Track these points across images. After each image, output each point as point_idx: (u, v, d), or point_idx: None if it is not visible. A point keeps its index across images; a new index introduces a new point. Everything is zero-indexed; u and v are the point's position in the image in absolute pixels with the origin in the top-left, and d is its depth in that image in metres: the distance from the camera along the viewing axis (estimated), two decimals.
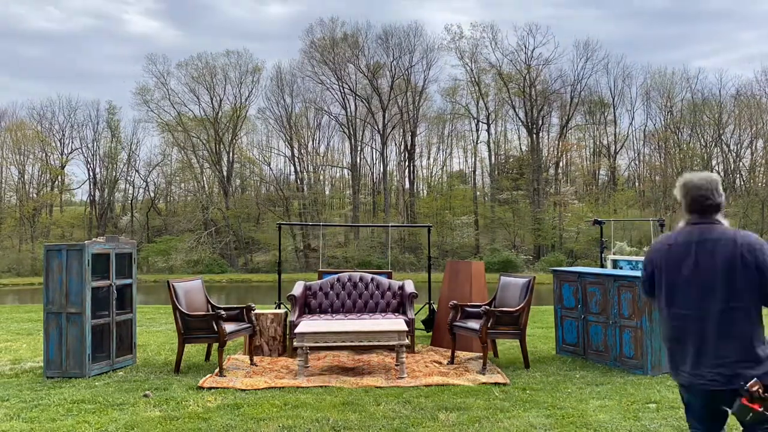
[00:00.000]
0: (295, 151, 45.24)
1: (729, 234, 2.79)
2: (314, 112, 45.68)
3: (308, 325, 6.74)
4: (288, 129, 44.49)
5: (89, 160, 46.05)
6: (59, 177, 46.38)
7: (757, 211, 37.82)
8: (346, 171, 47.26)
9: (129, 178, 47.71)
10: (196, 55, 45.86)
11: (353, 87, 43.78)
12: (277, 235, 10.70)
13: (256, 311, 7.35)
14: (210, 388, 5.84)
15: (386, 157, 44.33)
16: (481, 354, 6.64)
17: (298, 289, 8.06)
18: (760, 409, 2.61)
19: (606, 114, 44.39)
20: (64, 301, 6.44)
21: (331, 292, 8.32)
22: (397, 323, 6.66)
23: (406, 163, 44.50)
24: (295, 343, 6.41)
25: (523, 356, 6.79)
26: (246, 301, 9.48)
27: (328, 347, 7.23)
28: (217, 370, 6.41)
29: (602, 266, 10.57)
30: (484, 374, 6.33)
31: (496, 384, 5.97)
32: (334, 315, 7.91)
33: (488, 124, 44.74)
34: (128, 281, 7.04)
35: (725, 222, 2.90)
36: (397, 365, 6.40)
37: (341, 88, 44.04)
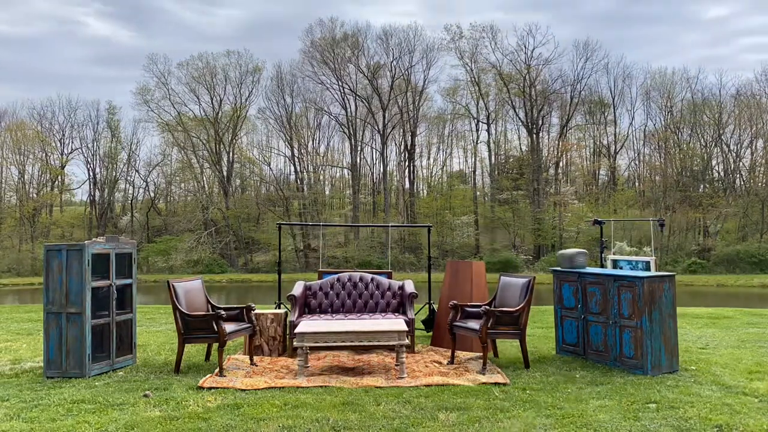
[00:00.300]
0: (295, 151, 45.26)
1: None
2: (314, 112, 45.72)
3: (308, 325, 6.74)
4: (288, 129, 44.49)
5: (89, 160, 46.10)
6: (59, 177, 46.39)
7: (757, 211, 37.80)
8: (346, 171, 47.28)
9: (129, 178, 47.78)
10: (197, 54, 45.91)
11: (353, 87, 43.79)
12: (277, 235, 10.70)
13: (256, 311, 7.35)
14: (210, 388, 5.84)
15: (386, 157, 44.36)
16: (481, 354, 6.64)
17: (298, 289, 8.06)
18: None
19: (606, 114, 44.40)
20: (64, 301, 6.44)
21: (331, 292, 8.32)
22: (397, 323, 6.66)
23: (406, 163, 44.50)
24: (295, 343, 6.41)
25: (523, 356, 6.79)
26: (246, 301, 9.48)
27: (328, 347, 7.23)
28: (217, 370, 6.42)
29: (602, 266, 10.56)
30: (484, 374, 6.33)
31: (496, 384, 5.97)
32: (334, 315, 7.91)
33: (488, 124, 44.77)
34: (128, 281, 7.04)
35: None
36: (397, 365, 6.40)
37: (341, 88, 44.06)
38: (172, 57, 60.07)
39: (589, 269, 7.72)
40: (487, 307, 6.80)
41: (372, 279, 8.43)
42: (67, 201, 49.45)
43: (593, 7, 60.63)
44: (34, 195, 45.65)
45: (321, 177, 47.46)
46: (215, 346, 6.76)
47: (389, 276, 8.68)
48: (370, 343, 6.45)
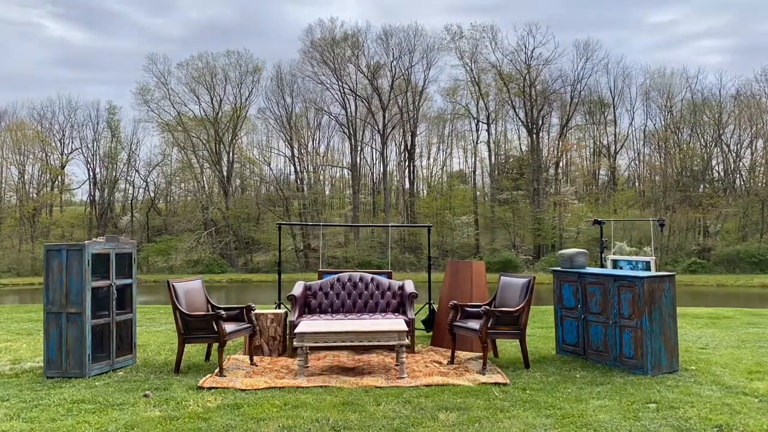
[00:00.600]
0: (295, 151, 45.27)
1: None
2: (314, 112, 45.73)
3: (308, 325, 6.74)
4: (288, 129, 44.50)
5: (89, 160, 46.10)
6: (59, 177, 46.39)
7: (757, 211, 37.80)
8: (346, 171, 47.28)
9: (129, 178, 47.78)
10: (197, 54, 45.90)
11: (353, 87, 43.80)
12: (277, 235, 10.70)
13: (256, 311, 7.35)
14: (210, 388, 5.84)
15: (386, 157, 44.37)
16: (481, 354, 6.64)
17: (298, 289, 8.06)
18: None
19: (606, 114, 44.40)
20: (64, 301, 6.44)
21: (331, 292, 8.32)
22: (397, 323, 6.66)
23: (406, 163, 44.51)
24: (295, 343, 6.41)
25: (523, 356, 6.79)
26: (246, 301, 9.48)
27: (328, 347, 7.24)
28: (217, 370, 6.42)
29: (602, 266, 10.56)
30: (484, 374, 6.33)
31: (496, 384, 5.97)
32: (334, 315, 7.91)
33: (488, 124, 44.77)
34: (128, 281, 7.04)
35: None
36: (397, 365, 6.40)
37: (341, 88, 44.07)
38: (129, 59, 59.87)
39: (589, 269, 7.71)
40: (487, 307, 6.80)
41: (372, 279, 8.43)
42: (67, 201, 49.46)
43: (544, 13, 60.75)
44: (34, 195, 45.65)
45: (321, 177, 47.47)
46: (215, 346, 6.76)
47: (389, 276, 8.68)
48: (370, 343, 6.45)
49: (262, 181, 47.78)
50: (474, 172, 45.81)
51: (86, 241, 6.64)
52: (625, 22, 60.48)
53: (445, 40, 43.46)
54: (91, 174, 46.04)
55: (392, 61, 43.32)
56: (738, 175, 41.82)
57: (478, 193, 45.03)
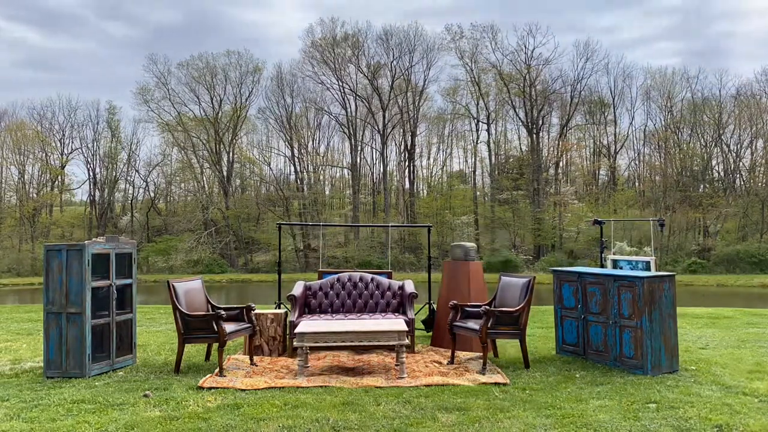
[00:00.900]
0: (295, 151, 45.26)
1: None
2: (314, 112, 45.72)
3: (308, 325, 6.74)
4: (288, 129, 44.50)
5: (89, 160, 46.10)
6: (59, 177, 46.39)
7: (757, 211, 37.80)
8: (346, 171, 47.29)
9: (129, 178, 47.78)
10: (197, 54, 45.89)
11: (353, 87, 43.80)
12: (277, 235, 10.70)
13: (256, 311, 7.35)
14: (210, 388, 5.84)
15: (386, 157, 44.37)
16: (481, 354, 6.64)
17: (298, 289, 8.06)
18: None
19: (606, 114, 44.39)
20: (64, 301, 6.44)
21: (331, 292, 8.32)
22: (397, 323, 6.66)
23: (406, 163, 44.50)
24: (295, 343, 6.41)
25: (523, 356, 6.79)
26: (246, 301, 9.48)
27: (328, 347, 7.24)
28: (217, 370, 6.42)
29: (602, 266, 10.56)
30: (484, 374, 6.33)
31: (496, 384, 5.97)
32: (334, 315, 7.91)
33: (488, 124, 44.76)
34: (128, 281, 7.04)
35: None
36: (397, 365, 6.40)
37: (341, 88, 44.07)
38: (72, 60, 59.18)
39: (589, 269, 7.72)
40: (487, 307, 6.80)
41: (372, 279, 8.43)
42: (67, 201, 49.46)
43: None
44: (34, 195, 45.65)
45: (321, 177, 47.47)
46: (215, 346, 6.76)
47: (389, 276, 8.68)
48: (370, 343, 6.45)
49: (262, 181, 47.79)
50: (474, 172, 45.83)
51: (86, 241, 6.64)
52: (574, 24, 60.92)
53: (445, 40, 43.50)
54: (91, 174, 46.08)
55: (392, 61, 43.33)
56: (738, 175, 41.83)
57: (478, 193, 45.03)
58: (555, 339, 7.63)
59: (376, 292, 8.32)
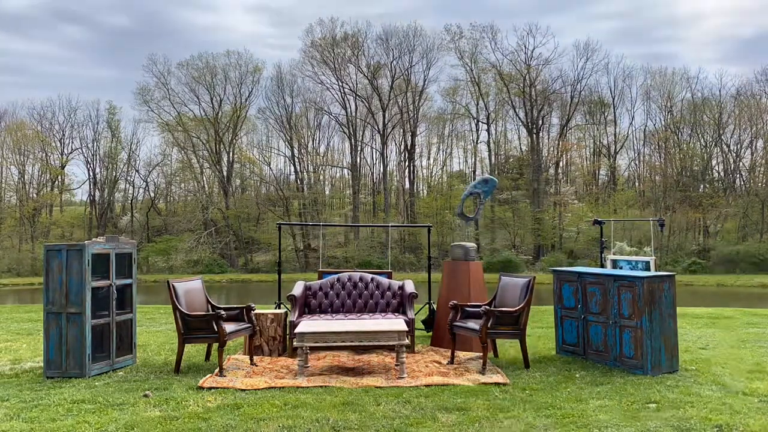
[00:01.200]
0: (295, 151, 45.26)
1: None
2: (314, 112, 45.71)
3: (308, 325, 6.74)
4: (288, 129, 44.48)
5: (89, 160, 46.08)
6: (59, 177, 46.38)
7: (757, 211, 37.80)
8: (346, 171, 47.29)
9: (129, 178, 47.75)
10: (197, 54, 45.90)
11: (353, 87, 43.80)
12: (277, 235, 10.70)
13: (256, 311, 7.35)
14: (210, 388, 5.84)
15: (386, 157, 44.36)
16: (481, 354, 6.64)
17: (298, 289, 8.05)
18: None
19: (606, 114, 44.38)
20: (64, 301, 6.44)
21: (331, 292, 8.32)
22: (397, 323, 6.67)
23: (406, 163, 44.51)
24: (295, 343, 6.41)
25: (523, 356, 6.79)
26: (246, 301, 9.48)
27: (328, 347, 7.23)
28: (217, 370, 6.41)
29: (602, 266, 10.56)
30: (484, 374, 6.33)
31: (496, 384, 5.97)
32: (334, 315, 7.91)
33: (488, 124, 44.76)
34: (128, 281, 7.04)
35: None
36: (397, 365, 6.40)
37: (341, 88, 44.06)
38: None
39: (589, 269, 7.72)
40: (487, 307, 6.79)
41: (372, 279, 8.43)
42: (67, 201, 49.44)
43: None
44: (34, 195, 45.64)
45: (321, 177, 47.46)
46: (215, 346, 6.76)
47: (389, 276, 8.68)
48: (370, 343, 6.46)
49: (262, 181, 47.77)
50: (474, 172, 45.79)
51: (86, 241, 6.64)
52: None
53: (445, 40, 43.49)
54: (91, 174, 46.06)
55: (392, 61, 43.33)
56: (738, 175, 41.83)
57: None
58: (555, 339, 7.63)
59: (376, 292, 8.32)
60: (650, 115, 43.71)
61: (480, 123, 44.68)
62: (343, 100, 44.29)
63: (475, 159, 45.73)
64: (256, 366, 6.85)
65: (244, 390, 5.78)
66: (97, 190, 46.07)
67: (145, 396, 5.57)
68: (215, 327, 6.49)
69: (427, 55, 43.31)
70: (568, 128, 43.75)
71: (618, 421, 4.80)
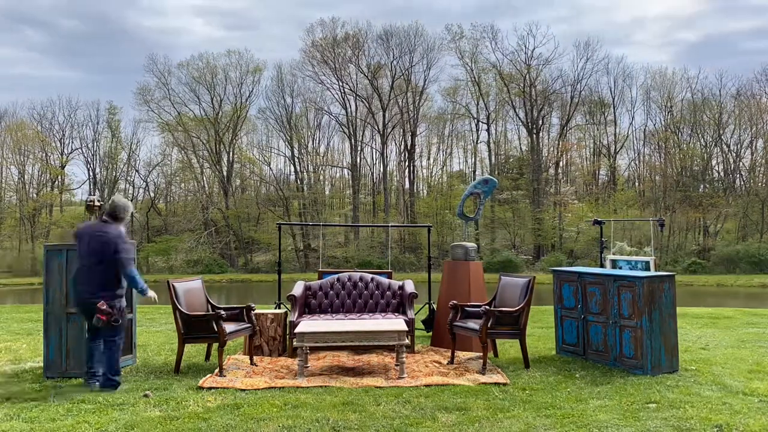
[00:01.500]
0: (295, 151, 45.26)
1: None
2: (314, 112, 45.71)
3: (308, 325, 6.74)
4: (288, 129, 44.48)
5: (89, 160, 46.08)
6: (59, 177, 46.38)
7: (757, 211, 37.80)
8: (346, 171, 47.29)
9: (129, 178, 47.75)
10: (197, 54, 45.89)
11: (353, 87, 43.80)
12: (277, 235, 10.69)
13: (256, 311, 7.35)
14: (210, 388, 5.84)
15: (386, 157, 44.37)
16: (481, 354, 6.64)
17: (298, 289, 8.06)
18: (104, 319, 5.73)
19: (606, 114, 44.37)
20: (64, 301, 6.44)
21: (331, 292, 8.32)
22: (397, 323, 6.67)
23: (406, 163, 44.51)
24: (295, 343, 6.41)
25: (523, 356, 6.79)
26: (246, 301, 9.48)
27: (328, 347, 7.23)
28: (217, 370, 6.41)
29: (602, 266, 10.56)
30: (484, 374, 6.33)
31: (496, 384, 5.97)
32: (334, 315, 7.90)
33: (488, 124, 44.76)
34: None
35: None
36: (397, 365, 6.40)
37: (341, 88, 44.06)
38: None
39: (589, 269, 7.72)
40: (487, 307, 6.79)
41: (372, 279, 8.43)
42: (67, 201, 49.43)
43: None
44: (34, 195, 45.64)
45: (321, 177, 47.46)
46: (215, 346, 6.76)
47: (389, 276, 8.68)
48: (370, 343, 6.46)
49: (262, 181, 47.77)
50: (474, 172, 45.79)
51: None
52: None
53: (445, 40, 43.49)
54: (91, 174, 46.06)
55: (392, 61, 43.33)
56: (738, 175, 41.83)
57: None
58: (555, 339, 7.63)
59: (376, 292, 8.32)
60: (650, 115, 43.74)
61: (480, 123, 44.70)
62: (343, 100, 44.32)
63: (475, 159, 45.76)
64: (256, 366, 6.85)
65: (244, 390, 5.78)
66: (97, 190, 46.07)
67: (145, 396, 5.57)
68: (215, 327, 6.49)
69: (427, 55, 43.35)
70: (568, 128, 43.76)
71: (618, 421, 4.80)
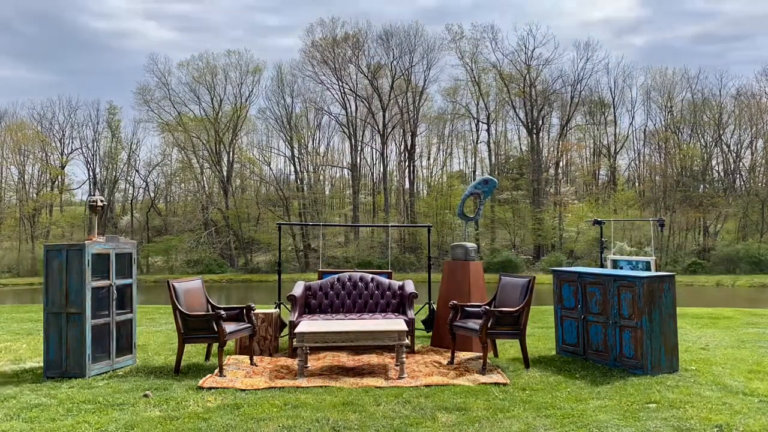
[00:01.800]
0: (295, 151, 45.25)
1: None
2: (314, 112, 45.72)
3: (309, 325, 6.74)
4: (288, 129, 44.49)
5: (89, 160, 46.09)
6: (59, 177, 46.39)
7: (757, 211, 37.81)
8: (346, 171, 47.29)
9: (129, 178, 47.76)
10: (197, 54, 45.89)
11: (353, 87, 43.80)
12: (277, 235, 10.70)
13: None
14: (210, 388, 5.84)
15: (386, 157, 44.37)
16: (481, 354, 6.64)
17: (298, 289, 8.06)
18: None
19: (606, 114, 44.38)
20: (64, 301, 6.44)
21: (331, 292, 8.32)
22: (397, 323, 6.67)
23: (406, 163, 44.51)
24: (295, 343, 6.41)
25: (523, 356, 6.79)
26: (246, 301, 9.48)
27: (328, 347, 7.24)
28: (217, 370, 6.42)
29: (602, 266, 10.57)
30: (484, 374, 6.33)
31: (496, 384, 5.97)
32: (334, 315, 7.91)
33: (488, 124, 44.76)
34: (128, 281, 7.04)
35: None
36: (397, 365, 6.40)
37: (341, 88, 44.06)
38: None
39: (589, 269, 7.72)
40: (487, 307, 6.79)
41: (372, 279, 8.43)
42: (66, 201, 49.43)
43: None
44: (34, 195, 45.64)
45: (321, 177, 47.46)
46: (215, 346, 6.76)
47: (389, 276, 8.68)
48: (370, 343, 6.46)
49: (262, 181, 47.77)
50: (474, 172, 45.79)
51: (86, 241, 6.64)
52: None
53: (445, 40, 43.49)
54: (91, 174, 46.07)
55: (392, 61, 43.33)
56: (738, 175, 41.83)
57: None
58: (555, 339, 7.63)
59: (376, 292, 8.32)
60: (650, 115, 43.76)
61: (480, 123, 44.70)
62: (343, 100, 44.32)
63: (475, 159, 45.76)
64: (256, 366, 6.85)
65: (244, 390, 5.78)
66: (97, 190, 46.08)
67: (145, 396, 5.57)
68: (215, 327, 6.49)
69: (427, 55, 43.34)
70: (568, 128, 43.76)
71: (618, 421, 4.80)
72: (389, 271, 8.99)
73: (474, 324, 6.85)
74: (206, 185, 46.28)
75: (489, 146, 44.91)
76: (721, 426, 4.65)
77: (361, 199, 44.37)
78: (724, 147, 41.11)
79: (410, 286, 8.19)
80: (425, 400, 5.42)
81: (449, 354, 7.17)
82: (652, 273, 7.65)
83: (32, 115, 46.35)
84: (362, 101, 43.84)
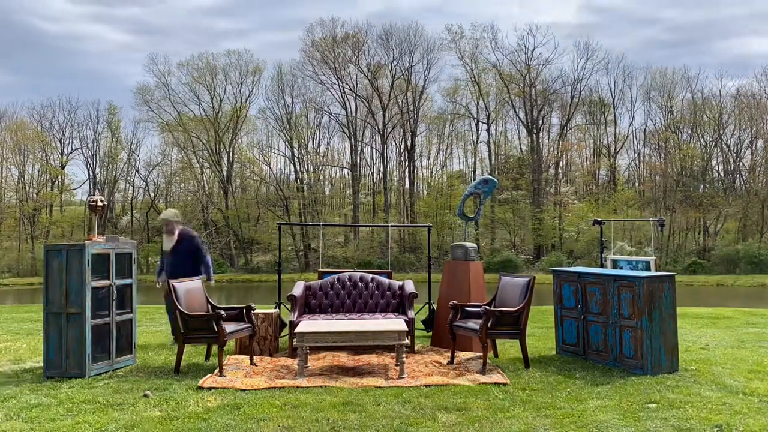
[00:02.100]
0: (295, 151, 45.27)
1: None
2: (314, 112, 45.74)
3: (309, 325, 6.74)
4: (288, 129, 44.50)
5: (89, 160, 46.14)
6: (59, 177, 46.40)
7: (757, 211, 37.82)
8: (346, 171, 47.30)
9: (129, 178, 47.80)
10: (197, 54, 45.90)
11: (353, 87, 43.82)
12: (277, 235, 10.70)
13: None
14: (210, 388, 5.84)
15: (386, 157, 44.39)
16: (481, 354, 6.63)
17: (298, 289, 8.06)
18: None
19: (606, 114, 44.40)
20: (64, 301, 6.43)
21: (331, 292, 8.32)
22: (397, 323, 6.66)
23: (406, 163, 44.52)
24: (295, 343, 6.41)
25: (523, 356, 6.79)
26: (246, 301, 9.48)
27: (328, 347, 7.24)
28: (217, 370, 6.41)
29: (602, 266, 10.57)
30: (484, 374, 6.32)
31: (496, 384, 5.97)
32: (334, 315, 7.90)
33: (488, 124, 44.78)
34: (128, 281, 7.04)
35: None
36: (397, 365, 6.40)
37: (341, 88, 44.08)
38: None
39: (589, 269, 7.72)
40: (487, 307, 6.79)
41: (372, 279, 8.43)
42: (66, 201, 49.45)
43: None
44: (34, 195, 45.65)
45: (321, 177, 47.47)
46: (215, 346, 6.76)
47: (389, 276, 8.67)
48: (371, 343, 6.46)
49: (262, 181, 47.78)
50: (474, 172, 45.82)
51: (86, 241, 6.64)
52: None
53: (445, 40, 43.51)
54: (91, 174, 46.10)
55: (392, 61, 43.37)
56: (738, 175, 41.83)
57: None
58: (555, 339, 7.63)
59: (376, 292, 8.32)
60: (650, 115, 43.79)
61: (480, 123, 44.72)
62: (343, 100, 44.34)
63: (475, 159, 45.78)
64: (256, 366, 6.85)
65: (244, 390, 5.78)
66: (97, 190, 46.09)
67: (145, 396, 5.57)
68: (215, 327, 6.49)
69: (427, 55, 43.39)
70: (568, 128, 43.79)
71: (618, 421, 4.80)
72: (389, 271, 8.99)
73: (474, 324, 6.85)
74: (206, 185, 46.31)
75: (489, 146, 44.94)
76: (721, 426, 4.65)
77: (361, 199, 44.38)
78: (724, 147, 41.14)
79: (410, 286, 8.19)
80: (425, 400, 5.41)
81: (449, 354, 7.17)
82: (652, 273, 7.65)
83: (32, 115, 46.43)
84: (362, 101, 43.86)
